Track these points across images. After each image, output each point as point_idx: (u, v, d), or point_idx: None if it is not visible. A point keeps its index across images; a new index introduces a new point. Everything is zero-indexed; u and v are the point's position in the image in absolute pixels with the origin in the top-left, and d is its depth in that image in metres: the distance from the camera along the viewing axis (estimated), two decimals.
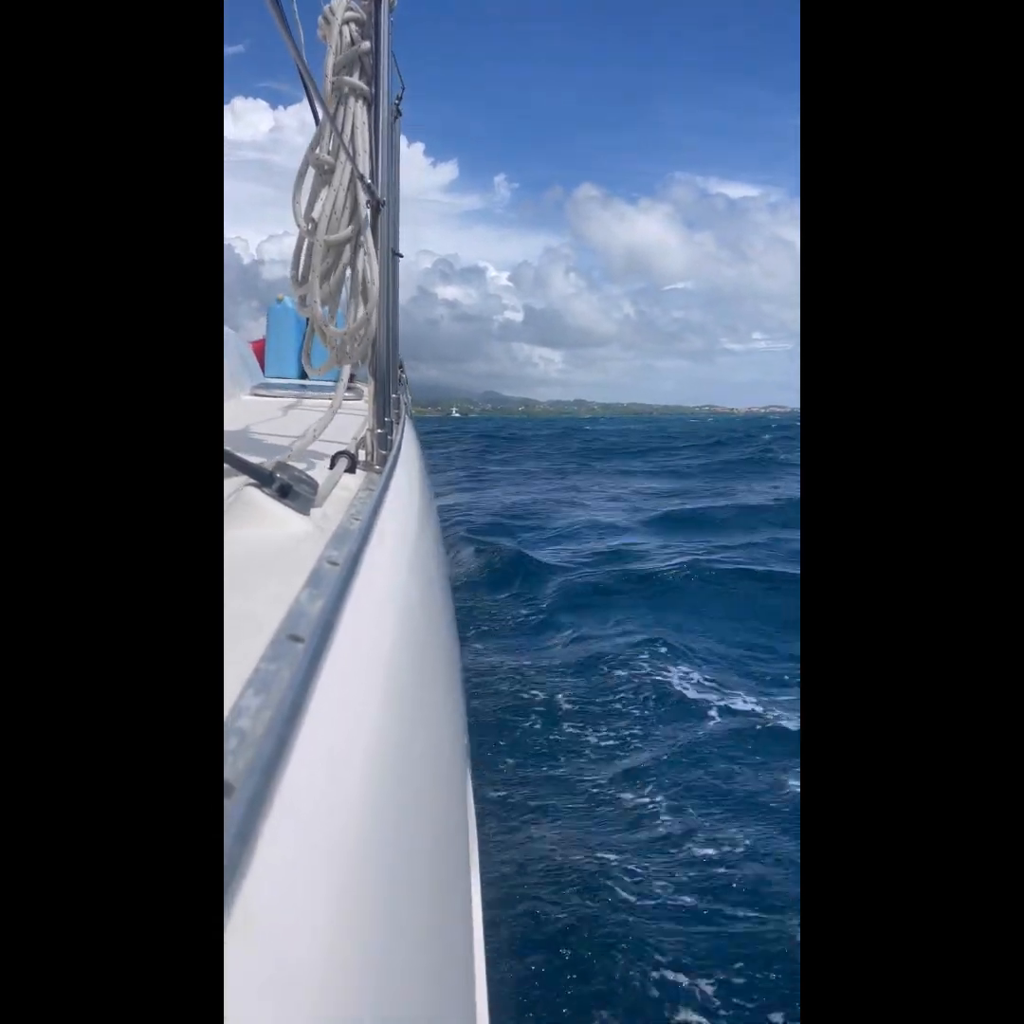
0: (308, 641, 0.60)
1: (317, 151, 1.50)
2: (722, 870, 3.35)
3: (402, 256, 2.13)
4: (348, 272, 1.48)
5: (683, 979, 2.78)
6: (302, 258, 1.46)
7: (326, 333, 1.45)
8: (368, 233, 1.54)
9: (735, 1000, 2.70)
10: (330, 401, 1.52)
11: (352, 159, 1.48)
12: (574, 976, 2.81)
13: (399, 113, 1.84)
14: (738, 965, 2.82)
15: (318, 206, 1.46)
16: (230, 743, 0.46)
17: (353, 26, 1.61)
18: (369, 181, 1.56)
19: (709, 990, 2.73)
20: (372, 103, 1.62)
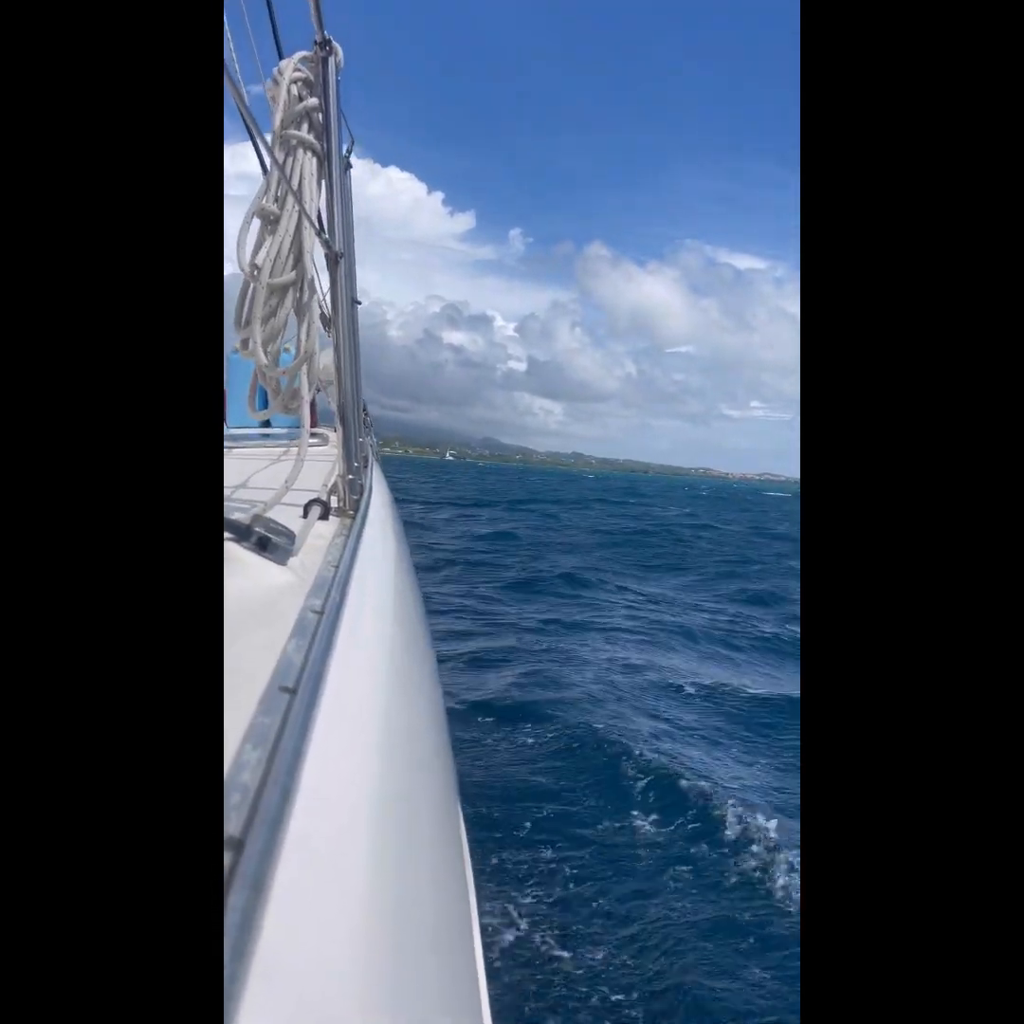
0: (300, 691, 0.61)
1: (264, 201, 1.55)
2: None
3: (361, 303, 2.18)
4: (292, 316, 1.52)
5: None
6: (246, 303, 1.50)
7: (267, 375, 1.47)
8: (316, 279, 1.57)
9: None
10: (296, 448, 1.54)
11: (300, 203, 1.53)
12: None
13: (349, 165, 1.90)
14: None
15: (261, 252, 1.50)
16: (233, 798, 0.46)
17: (301, 85, 1.67)
18: (325, 235, 1.61)
19: None
20: (324, 159, 1.68)
